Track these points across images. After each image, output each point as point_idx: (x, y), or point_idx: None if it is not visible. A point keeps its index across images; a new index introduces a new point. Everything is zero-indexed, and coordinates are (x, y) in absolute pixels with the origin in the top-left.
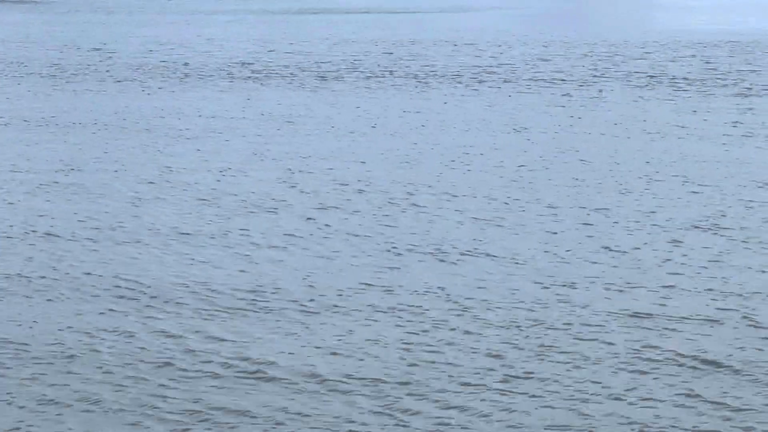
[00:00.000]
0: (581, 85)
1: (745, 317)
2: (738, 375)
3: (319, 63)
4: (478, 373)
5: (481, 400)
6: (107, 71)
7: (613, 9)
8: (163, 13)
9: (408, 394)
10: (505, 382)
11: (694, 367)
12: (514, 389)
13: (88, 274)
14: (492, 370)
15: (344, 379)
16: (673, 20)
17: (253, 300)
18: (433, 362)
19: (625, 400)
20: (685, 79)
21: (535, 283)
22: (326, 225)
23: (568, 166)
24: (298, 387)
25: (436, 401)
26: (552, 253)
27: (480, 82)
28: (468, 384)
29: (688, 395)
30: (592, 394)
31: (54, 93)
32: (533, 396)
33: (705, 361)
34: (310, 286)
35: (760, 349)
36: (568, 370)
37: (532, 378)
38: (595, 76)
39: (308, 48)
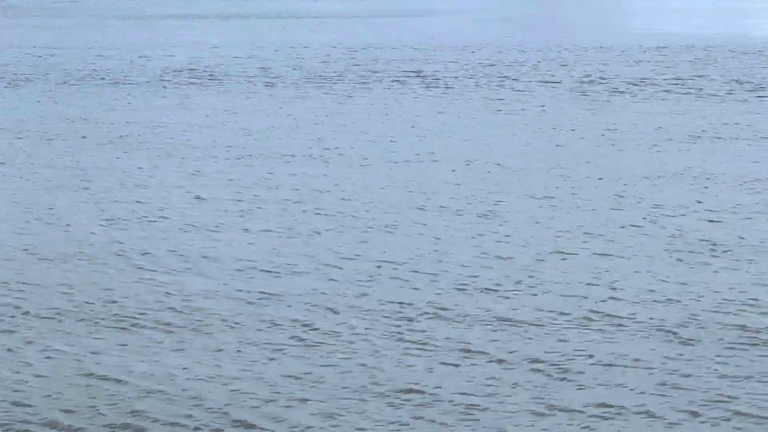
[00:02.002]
0: (514, 89)
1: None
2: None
3: (266, 68)
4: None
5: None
6: (46, 76)
7: (582, 13)
8: (123, 18)
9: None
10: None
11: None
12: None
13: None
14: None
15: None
16: (642, 24)
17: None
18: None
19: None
20: (631, 83)
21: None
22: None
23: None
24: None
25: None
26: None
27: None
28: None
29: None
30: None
31: None
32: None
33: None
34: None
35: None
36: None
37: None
38: (543, 81)
39: (259, 53)
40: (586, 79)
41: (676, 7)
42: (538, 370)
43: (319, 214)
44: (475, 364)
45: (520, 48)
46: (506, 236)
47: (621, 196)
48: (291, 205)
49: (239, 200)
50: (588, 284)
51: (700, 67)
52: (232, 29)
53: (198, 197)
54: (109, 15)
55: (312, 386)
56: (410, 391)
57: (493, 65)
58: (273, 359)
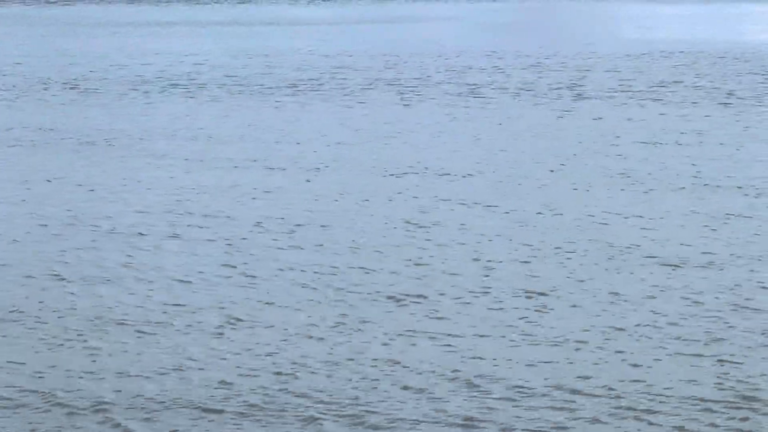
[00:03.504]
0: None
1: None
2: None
3: (235, 75)
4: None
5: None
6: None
7: (571, 21)
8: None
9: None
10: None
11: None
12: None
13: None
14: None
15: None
16: (631, 32)
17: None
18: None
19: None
20: (603, 90)
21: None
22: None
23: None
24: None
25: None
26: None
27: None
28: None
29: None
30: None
31: None
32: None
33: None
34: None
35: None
36: None
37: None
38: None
39: (232, 60)
40: (556, 86)
41: (667, 14)
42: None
43: (249, 222)
44: (399, 379)
45: (497, 55)
46: (438, 245)
47: (553, 204)
48: (216, 214)
49: (171, 210)
50: (516, 296)
51: (677, 73)
52: (206, 37)
53: (145, 205)
54: (83, 23)
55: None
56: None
57: (464, 72)
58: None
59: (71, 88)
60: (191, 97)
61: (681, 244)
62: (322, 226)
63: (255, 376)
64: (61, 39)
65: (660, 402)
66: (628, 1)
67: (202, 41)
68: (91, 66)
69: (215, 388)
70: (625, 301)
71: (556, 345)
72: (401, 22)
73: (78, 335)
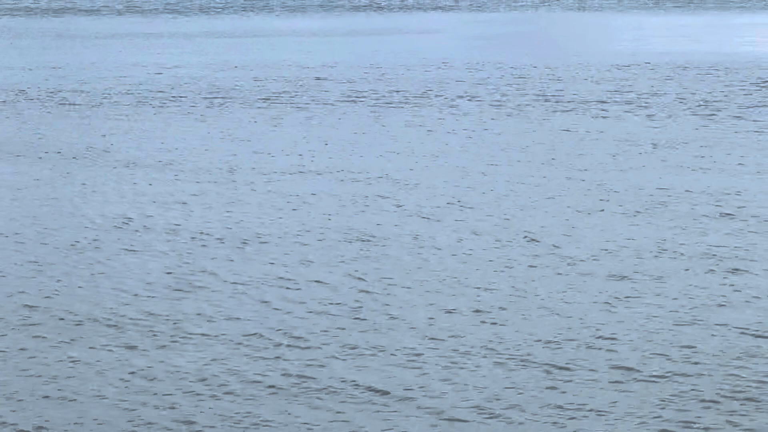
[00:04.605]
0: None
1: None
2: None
3: (211, 86)
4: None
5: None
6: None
7: (561, 32)
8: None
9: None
10: None
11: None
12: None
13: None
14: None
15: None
16: (618, 43)
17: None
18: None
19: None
20: (579, 101)
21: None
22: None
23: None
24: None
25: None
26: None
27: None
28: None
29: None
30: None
31: None
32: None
33: None
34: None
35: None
36: None
37: None
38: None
39: (211, 72)
40: (533, 98)
41: (656, 24)
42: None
43: (202, 233)
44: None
45: (478, 67)
46: (392, 257)
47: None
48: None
49: (130, 219)
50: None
51: (660, 85)
52: (189, 48)
53: (100, 213)
54: (68, 35)
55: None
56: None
57: (443, 84)
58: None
59: (48, 100)
60: (167, 109)
61: (636, 259)
62: (279, 237)
63: (195, 393)
64: (44, 50)
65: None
66: (618, 12)
67: (184, 53)
68: (71, 77)
69: (153, 401)
70: (569, 316)
71: (497, 362)
72: (387, 34)
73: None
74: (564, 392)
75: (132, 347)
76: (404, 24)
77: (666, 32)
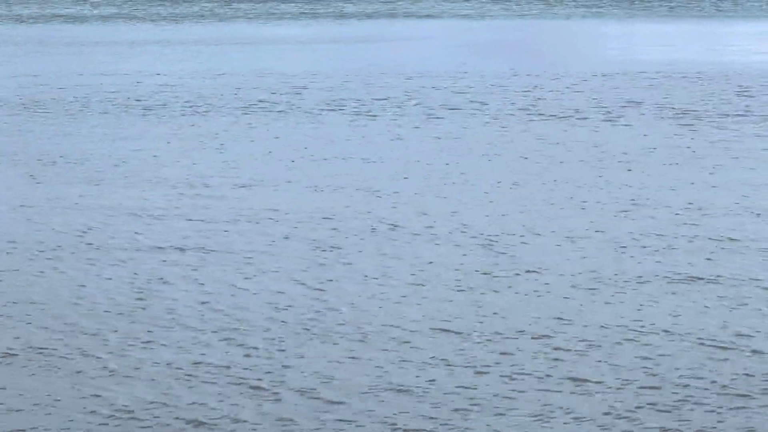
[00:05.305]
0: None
1: None
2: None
3: (183, 95)
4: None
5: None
6: None
7: (550, 40)
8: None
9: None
10: None
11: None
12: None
13: None
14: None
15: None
16: (606, 50)
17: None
18: None
19: None
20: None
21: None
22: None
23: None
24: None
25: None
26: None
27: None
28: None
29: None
30: None
31: None
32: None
33: None
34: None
35: None
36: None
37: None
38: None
39: (191, 80)
40: (512, 106)
41: (646, 32)
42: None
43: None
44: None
45: (459, 75)
46: (349, 268)
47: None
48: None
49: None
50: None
51: (643, 94)
52: (171, 56)
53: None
54: (51, 42)
55: None
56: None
57: (422, 92)
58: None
59: (24, 107)
60: (144, 117)
61: (591, 270)
62: (242, 247)
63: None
64: (24, 58)
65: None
66: (608, 20)
67: (166, 61)
68: (49, 85)
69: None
70: (522, 329)
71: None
72: (371, 41)
73: None
74: (515, 399)
75: (79, 372)
76: (390, 32)
77: (653, 40)
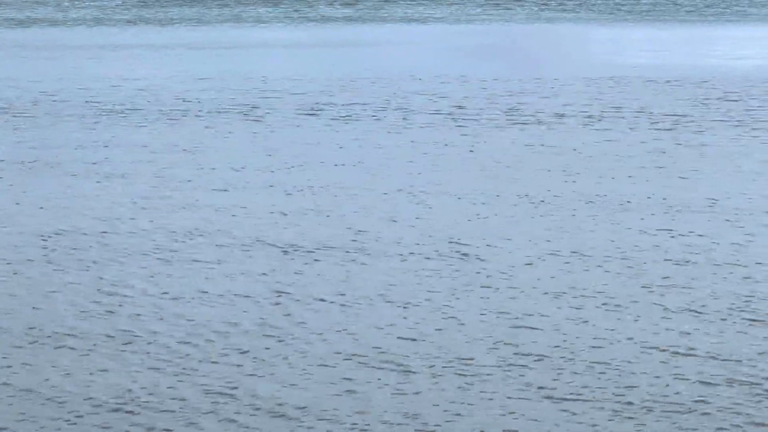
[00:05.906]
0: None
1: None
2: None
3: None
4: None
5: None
6: None
7: (539, 45)
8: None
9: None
10: None
11: None
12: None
13: None
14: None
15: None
16: (595, 55)
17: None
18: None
19: None
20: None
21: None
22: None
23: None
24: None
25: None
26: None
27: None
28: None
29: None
30: None
31: None
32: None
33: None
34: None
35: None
36: None
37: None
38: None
39: (174, 84)
40: (492, 111)
41: (637, 37)
42: None
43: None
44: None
45: (443, 79)
46: (310, 273)
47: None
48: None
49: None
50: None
51: (627, 98)
52: (157, 60)
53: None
54: (34, 46)
55: None
56: None
57: (403, 97)
58: None
59: (2, 113)
60: (121, 121)
61: (553, 278)
62: (209, 250)
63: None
64: (7, 61)
65: None
66: (599, 25)
67: (149, 65)
68: (28, 89)
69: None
70: (490, 335)
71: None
72: (358, 45)
73: None
74: (471, 406)
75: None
76: (377, 36)
77: (641, 45)
